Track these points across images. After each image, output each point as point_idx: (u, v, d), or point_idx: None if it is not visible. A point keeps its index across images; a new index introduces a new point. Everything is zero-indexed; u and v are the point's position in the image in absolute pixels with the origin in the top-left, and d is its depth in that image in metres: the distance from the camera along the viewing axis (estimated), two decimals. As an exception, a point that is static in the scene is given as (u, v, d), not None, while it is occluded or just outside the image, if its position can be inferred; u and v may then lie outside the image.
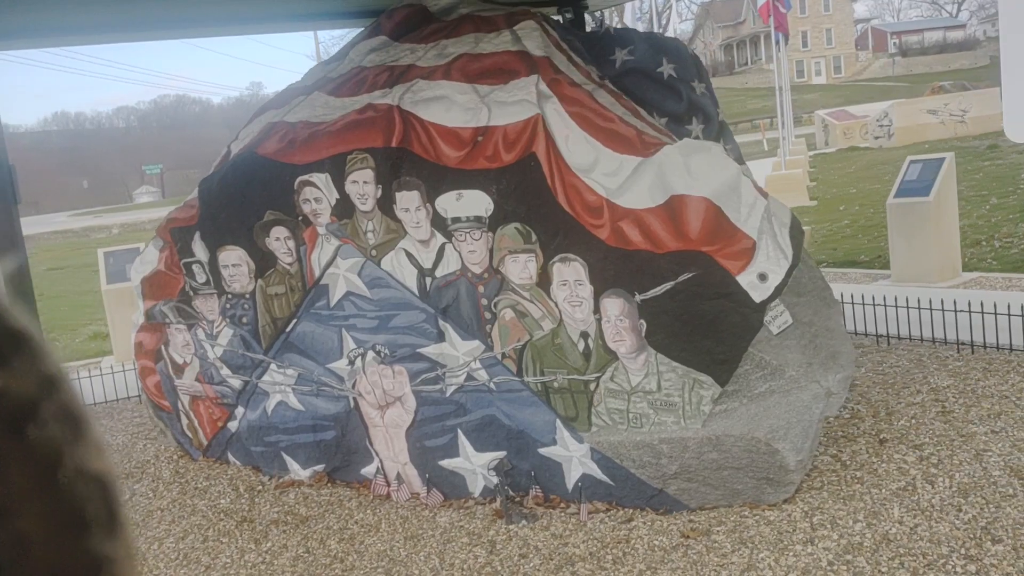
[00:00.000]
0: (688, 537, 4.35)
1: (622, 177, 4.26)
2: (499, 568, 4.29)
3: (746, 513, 4.46)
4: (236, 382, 5.57)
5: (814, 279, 4.98)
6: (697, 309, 4.20)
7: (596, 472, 4.68)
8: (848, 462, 4.81)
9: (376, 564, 4.46)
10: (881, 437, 5.07)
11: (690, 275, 4.17)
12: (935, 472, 4.62)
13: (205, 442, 5.93)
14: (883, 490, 4.51)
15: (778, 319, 4.54)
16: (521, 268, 4.59)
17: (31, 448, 0.42)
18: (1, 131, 7.57)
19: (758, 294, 4.11)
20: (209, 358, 5.59)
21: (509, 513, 4.78)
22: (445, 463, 5.07)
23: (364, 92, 4.92)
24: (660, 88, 5.25)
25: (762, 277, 4.09)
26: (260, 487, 5.61)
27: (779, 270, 4.08)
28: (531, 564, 4.30)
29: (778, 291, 4.11)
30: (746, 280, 4.10)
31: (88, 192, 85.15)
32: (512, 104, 4.48)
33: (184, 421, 5.93)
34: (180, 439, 6.11)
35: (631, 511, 4.67)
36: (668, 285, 4.22)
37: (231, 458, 5.91)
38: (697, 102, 5.31)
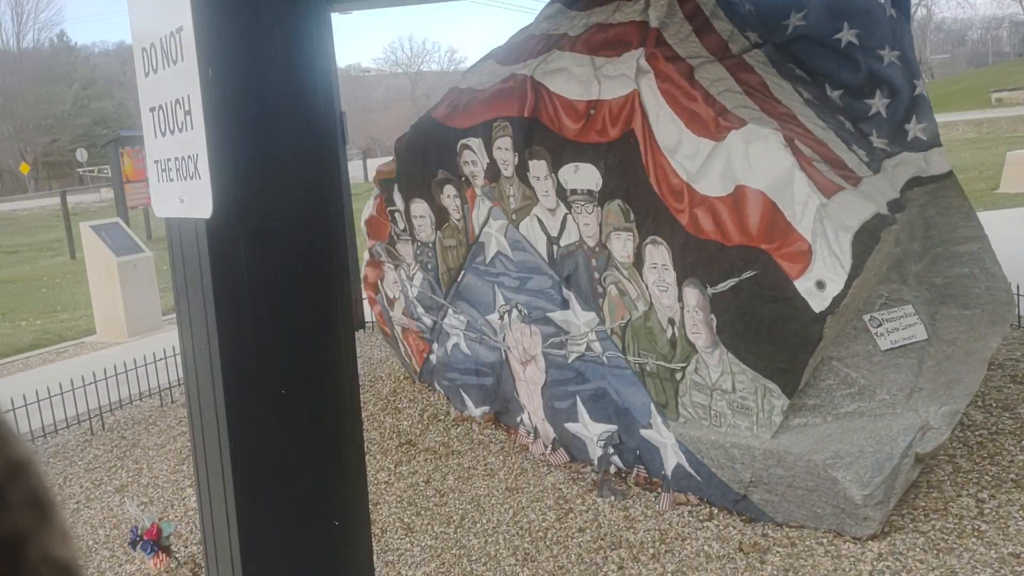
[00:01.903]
0: (743, 551, 4.08)
1: (699, 161, 3.98)
2: (553, 534, 4.41)
3: (824, 540, 4.04)
4: (428, 320, 6.16)
5: (995, 291, 4.24)
6: (758, 311, 3.84)
7: (685, 464, 4.53)
8: (970, 509, 4.08)
9: (462, 507, 4.80)
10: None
11: (753, 273, 3.82)
12: (1081, 545, 3.75)
13: (418, 368, 6.63)
14: (996, 551, 3.79)
15: (895, 333, 3.98)
16: (622, 246, 4.52)
17: None
18: (334, 78, 8.87)
19: (816, 303, 3.64)
20: (409, 296, 6.24)
21: (602, 486, 4.81)
22: (569, 426, 5.20)
23: (520, 61, 5.08)
24: (835, 57, 4.69)
25: (820, 285, 3.61)
26: (442, 417, 6.19)
27: (837, 279, 3.56)
28: (583, 538, 4.35)
29: (836, 302, 3.60)
30: (803, 286, 3.65)
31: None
32: (615, 78, 4.37)
33: (402, 348, 6.69)
34: (404, 363, 6.90)
35: (715, 511, 4.46)
36: (733, 281, 3.91)
37: (436, 386, 6.55)
38: (881, 73, 4.64)
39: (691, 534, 4.28)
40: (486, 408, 5.95)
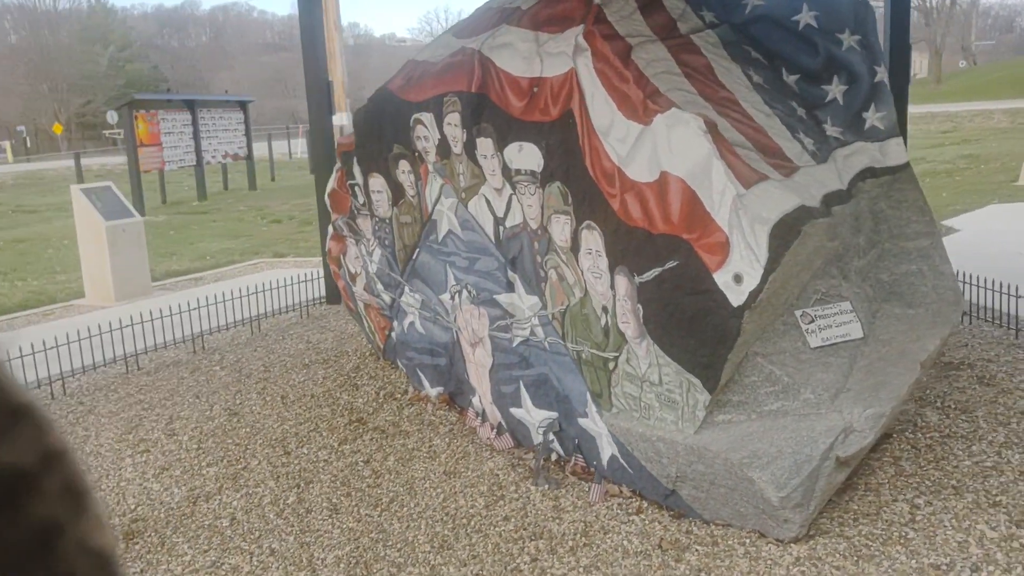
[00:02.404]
0: (662, 548, 3.97)
1: (628, 145, 3.83)
2: (476, 522, 4.32)
3: (747, 541, 3.92)
4: (387, 297, 6.08)
5: (942, 290, 4.08)
6: (680, 303, 3.70)
7: (618, 456, 4.42)
8: (902, 515, 3.93)
9: (394, 490, 4.73)
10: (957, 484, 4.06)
11: (675, 264, 3.68)
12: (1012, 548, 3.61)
13: (381, 345, 6.56)
14: (917, 560, 3.65)
15: (827, 331, 3.84)
16: (560, 230, 4.39)
17: (31, 523, 0.42)
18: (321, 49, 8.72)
19: (734, 297, 3.49)
20: (370, 272, 6.15)
21: (538, 474, 4.72)
22: (514, 411, 5.11)
23: (474, 34, 4.94)
24: (792, 39, 4.51)
25: (737, 279, 3.46)
26: (398, 396, 6.11)
27: (754, 273, 3.41)
28: (505, 527, 4.26)
29: (752, 297, 3.45)
30: (722, 279, 3.50)
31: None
32: (556, 56, 4.22)
33: (366, 324, 6.62)
34: (368, 339, 6.83)
35: (646, 505, 4.35)
36: (657, 271, 3.77)
37: (399, 364, 6.48)
38: (839, 58, 4.46)
39: (615, 527, 4.18)
40: (440, 388, 5.87)
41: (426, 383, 5.97)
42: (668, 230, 3.69)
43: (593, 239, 4.15)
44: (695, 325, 3.67)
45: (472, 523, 4.31)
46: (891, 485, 4.28)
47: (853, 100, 4.41)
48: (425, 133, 5.17)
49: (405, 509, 4.49)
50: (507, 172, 4.67)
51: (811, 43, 4.43)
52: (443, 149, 5.08)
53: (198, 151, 21.32)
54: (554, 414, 4.83)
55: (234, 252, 13.89)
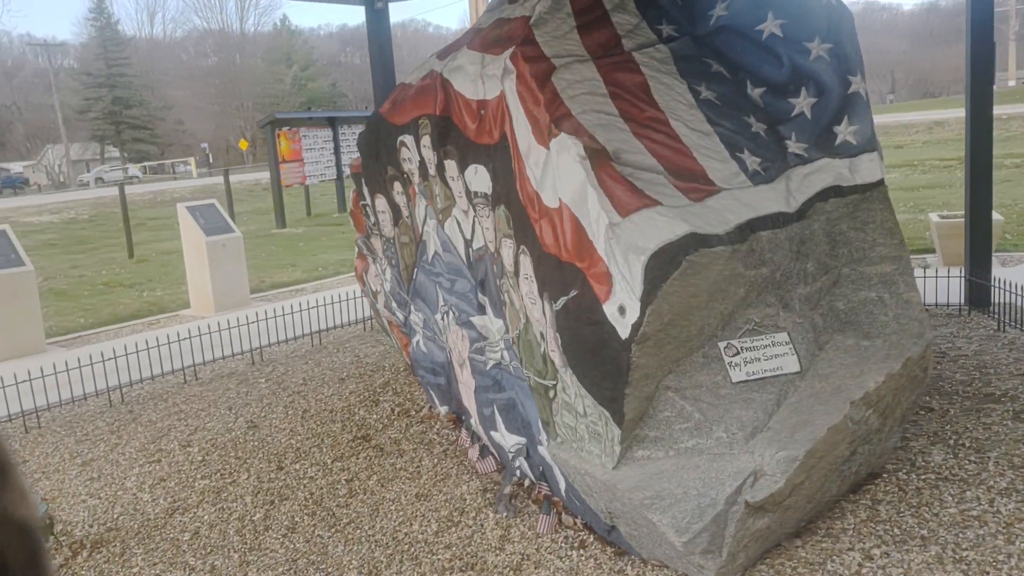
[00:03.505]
0: (586, 587, 3.81)
1: (540, 170, 3.70)
2: (418, 548, 4.29)
3: (673, 585, 3.71)
4: (400, 315, 6.14)
5: (904, 320, 3.75)
6: (582, 332, 3.54)
7: (571, 486, 4.28)
8: (849, 567, 3.59)
9: (359, 511, 4.76)
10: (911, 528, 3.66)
11: (575, 293, 3.52)
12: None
13: (408, 361, 6.64)
14: (841, 619, 3.34)
15: (754, 364, 3.59)
16: (508, 254, 4.30)
17: None
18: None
19: (621, 329, 3.30)
20: (386, 290, 6.24)
21: (499, 501, 4.64)
22: (493, 434, 5.05)
23: (446, 56, 4.92)
24: (757, 50, 4.24)
25: (621, 310, 3.27)
26: (412, 413, 6.16)
27: (634, 305, 3.21)
28: (442, 555, 4.22)
29: (635, 330, 3.25)
30: (609, 310, 3.32)
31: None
32: (492, 78, 4.13)
33: (393, 340, 6.71)
34: (400, 354, 6.92)
35: (592, 539, 4.18)
36: (564, 299, 3.62)
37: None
38: (806, 69, 4.15)
39: (549, 563, 4.04)
40: (447, 407, 5.87)
41: (436, 401, 5.98)
42: (568, 258, 3.55)
43: (527, 264, 4.05)
44: (597, 356, 3.51)
45: (412, 549, 4.29)
46: (856, 531, 3.93)
47: (822, 113, 4.10)
48: (408, 155, 5.19)
49: (359, 532, 4.52)
50: (469, 194, 4.63)
51: (775, 54, 4.14)
52: (423, 170, 5.09)
53: (338, 165, 22.23)
54: (523, 439, 4.73)
55: (348, 262, 14.39)
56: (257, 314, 8.87)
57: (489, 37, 4.38)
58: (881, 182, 3.99)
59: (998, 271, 9.39)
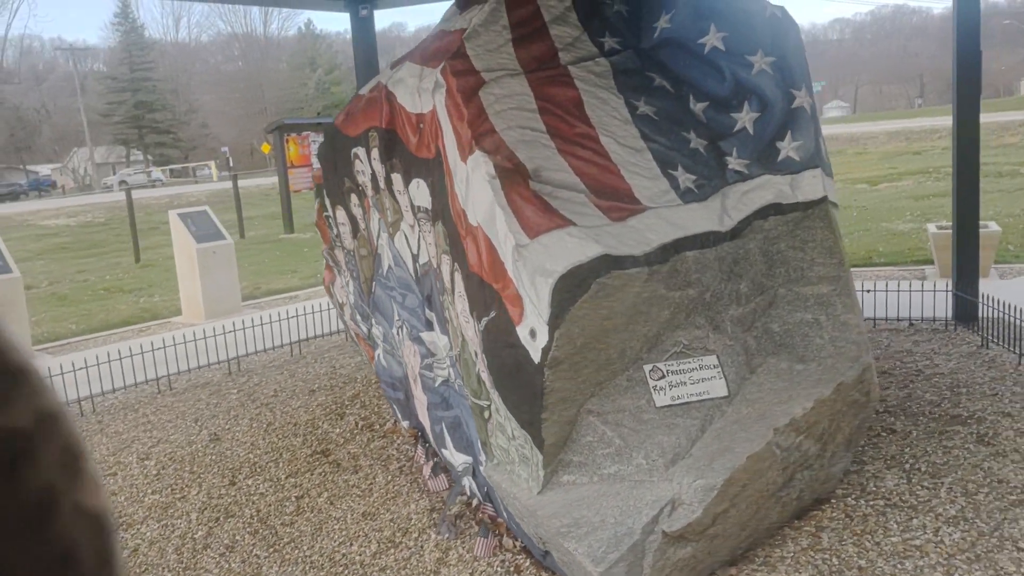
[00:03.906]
0: (511, 614, 3.72)
1: (464, 187, 3.62)
2: (351, 571, 4.22)
3: (601, 614, 3.60)
4: (364, 328, 6.08)
5: (841, 343, 3.64)
6: (502, 355, 3.45)
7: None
8: (766, 601, 3.48)
9: (301, 530, 4.69)
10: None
11: (494, 314, 3.44)
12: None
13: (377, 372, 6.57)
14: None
15: (679, 388, 3.49)
16: (446, 271, 4.22)
17: (28, 488, 0.41)
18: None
19: (534, 353, 3.21)
20: (351, 302, 6.18)
21: (442, 522, 4.55)
22: (444, 452, 4.97)
23: (395, 68, 4.86)
24: (700, 64, 4.14)
25: (532, 334, 3.18)
26: (376, 427, 6.09)
27: (543, 329, 3.12)
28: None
29: (544, 354, 3.15)
30: (522, 333, 3.23)
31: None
32: (427, 92, 4.06)
33: (363, 351, 6.65)
34: (371, 366, 6.85)
35: (529, 564, 4.09)
36: (486, 320, 3.54)
37: (390, 393, 6.46)
38: (749, 83, 4.04)
39: (480, 588, 3.96)
40: (408, 422, 5.80)
41: (399, 415, 5.91)
42: (488, 279, 3.47)
43: (459, 282, 3.97)
44: (515, 379, 3.42)
45: (346, 572, 4.21)
46: (794, 560, 3.81)
47: (765, 129, 3.99)
48: (361, 167, 5.13)
49: (297, 552, 4.45)
50: (414, 208, 4.56)
51: (718, 68, 4.04)
52: (375, 183, 5.02)
53: (348, 170, 22.21)
54: (470, 458, 4.65)
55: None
56: (244, 322, 8.85)
57: (429, 50, 4.31)
58: (824, 199, 3.88)
59: (996, 283, 9.19)
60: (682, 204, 3.63)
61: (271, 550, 4.49)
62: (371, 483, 5.20)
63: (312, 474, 5.40)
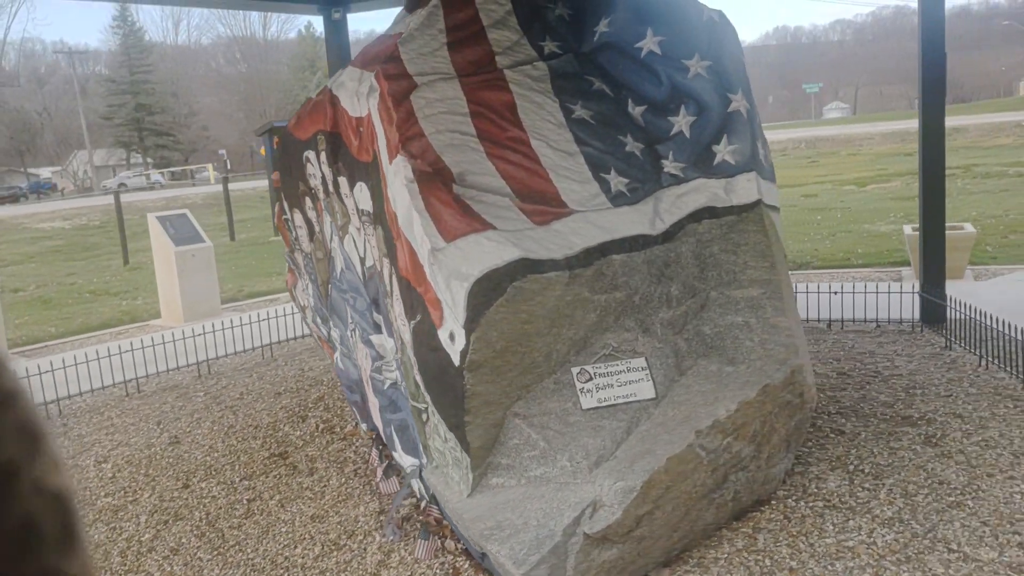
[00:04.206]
0: (443, 616, 3.73)
1: (395, 190, 3.63)
2: (296, 572, 4.23)
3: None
4: (324, 331, 6.09)
5: (771, 345, 3.65)
6: (428, 359, 3.46)
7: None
8: (691, 603, 3.49)
9: (247, 534, 4.69)
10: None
11: (419, 317, 3.45)
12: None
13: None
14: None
15: (607, 391, 3.50)
16: (386, 274, 4.23)
17: None
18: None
19: (454, 356, 3.22)
20: (311, 305, 6.19)
21: (387, 525, 4.56)
22: (394, 454, 4.98)
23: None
24: (637, 68, 4.15)
25: (452, 337, 3.19)
26: (337, 430, 6.10)
27: (461, 332, 3.13)
28: (316, 580, 4.15)
29: (463, 357, 3.16)
30: (443, 336, 3.24)
31: (775, 106, 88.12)
32: (363, 96, 4.07)
33: (326, 354, 6.66)
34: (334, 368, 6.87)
35: (467, 566, 4.09)
36: (413, 323, 3.55)
37: (355, 397, 6.47)
38: (685, 87, 4.06)
39: (415, 590, 3.96)
40: (366, 424, 5.81)
41: (358, 417, 5.92)
42: (414, 282, 3.48)
43: (396, 285, 3.98)
44: (441, 383, 3.44)
45: (287, 575, 4.22)
46: (727, 561, 3.81)
47: (701, 132, 4.00)
48: (312, 171, 5.14)
49: (240, 555, 4.46)
50: (359, 212, 4.57)
51: (655, 72, 4.05)
52: (325, 186, 5.04)
53: (339, 173, 22.25)
54: (417, 461, 4.65)
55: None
56: (215, 324, 8.87)
57: (369, 53, 4.33)
58: (758, 203, 3.89)
59: (970, 285, 9.20)
60: (612, 208, 3.64)
61: (215, 553, 4.50)
62: (325, 485, 5.21)
63: (267, 477, 5.41)
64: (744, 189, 3.90)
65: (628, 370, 3.53)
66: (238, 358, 8.34)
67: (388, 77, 3.82)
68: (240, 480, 5.39)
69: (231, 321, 9.06)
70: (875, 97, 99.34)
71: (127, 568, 4.41)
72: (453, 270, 3.14)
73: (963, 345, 6.53)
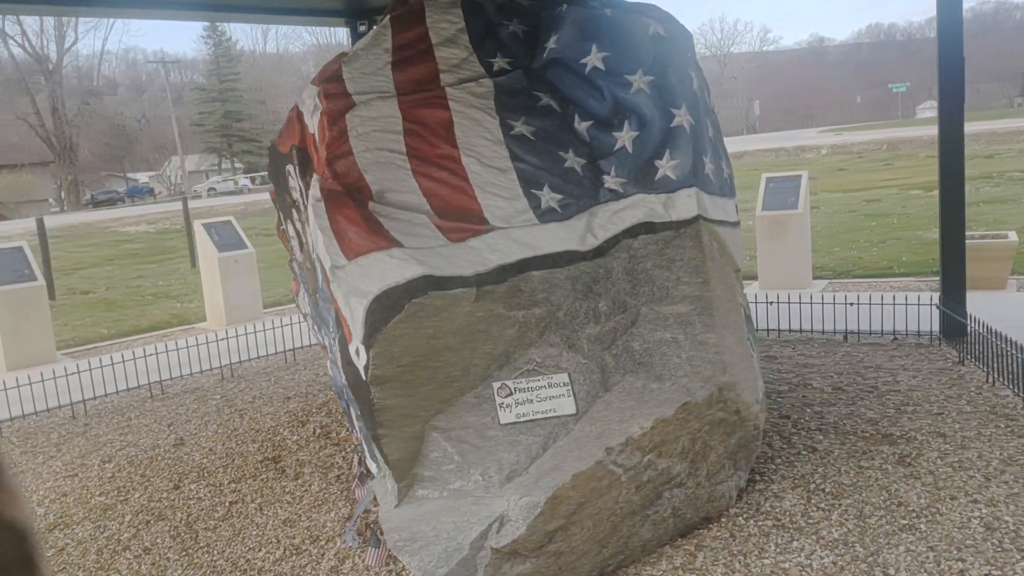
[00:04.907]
0: (376, 623, 3.81)
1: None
2: (251, 575, 4.37)
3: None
4: (320, 337, 6.25)
5: (698, 363, 3.65)
6: (347, 371, 3.55)
7: (397, 519, 4.28)
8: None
9: (221, 535, 4.85)
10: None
11: (338, 333, 3.53)
12: None
13: (344, 384, 6.74)
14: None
15: (526, 406, 3.54)
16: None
17: None
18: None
19: (361, 370, 3.30)
20: (309, 312, 6.36)
21: (348, 531, 4.67)
22: (368, 461, 5.08)
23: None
24: (583, 84, 4.17)
25: (358, 353, 3.26)
26: (332, 435, 6.25)
27: (363, 348, 3.20)
28: (270, 584, 4.27)
29: (366, 372, 3.23)
30: (352, 351, 3.32)
31: (864, 106, 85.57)
32: (311, 114, 4.19)
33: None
34: (343, 376, 7.03)
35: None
36: (337, 336, 3.64)
37: (357, 403, 6.62)
38: (627, 102, 4.06)
39: (357, 598, 4.05)
40: (356, 430, 5.94)
41: (351, 423, 6.05)
42: (331, 298, 3.57)
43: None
44: (358, 395, 3.52)
45: (240, 572, 4.36)
46: (659, 580, 3.80)
47: (643, 147, 4.00)
48: (293, 184, 5.29)
49: (206, 557, 4.62)
50: (324, 225, 4.68)
51: (598, 87, 4.07)
52: (304, 199, 5.18)
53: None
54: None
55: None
56: (255, 327, 9.15)
57: (327, 71, 4.44)
58: (696, 219, 3.86)
59: (1013, 296, 8.87)
60: (539, 224, 3.66)
61: (183, 553, 4.67)
62: (306, 490, 5.35)
63: (255, 480, 5.58)
64: (684, 204, 3.88)
65: (549, 385, 3.56)
66: (261, 362, 8.59)
67: (328, 96, 3.93)
68: (229, 483, 5.57)
69: (263, 324, 9.33)
70: (972, 95, 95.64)
71: (99, 566, 4.61)
72: (352, 287, 3.22)
73: (976, 361, 6.32)
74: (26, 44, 63.78)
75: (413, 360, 3.30)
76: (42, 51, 64.76)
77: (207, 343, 8.67)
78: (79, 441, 6.67)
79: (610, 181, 3.97)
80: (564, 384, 3.57)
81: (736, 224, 4.35)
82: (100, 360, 8.43)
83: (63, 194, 64.48)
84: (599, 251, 3.75)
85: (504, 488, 3.39)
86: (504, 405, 3.52)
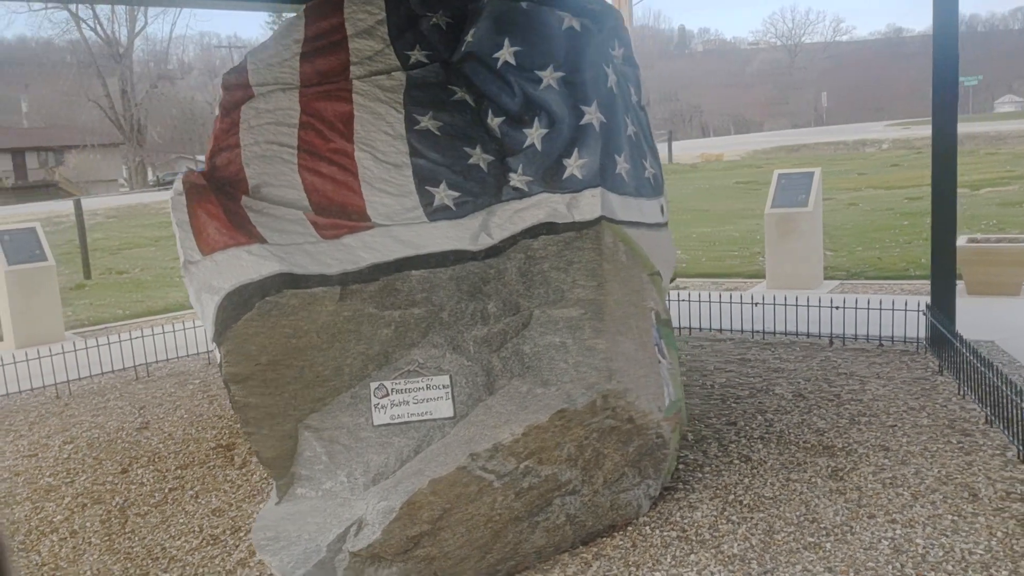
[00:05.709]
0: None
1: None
2: (160, 563, 4.39)
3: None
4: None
5: (583, 368, 3.57)
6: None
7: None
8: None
9: (153, 521, 4.90)
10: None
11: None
12: None
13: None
14: None
15: (401, 407, 3.49)
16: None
17: None
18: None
19: (221, 369, 3.27)
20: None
21: (269, 522, 4.67)
22: (300, 454, 5.08)
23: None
24: (496, 79, 4.08)
25: (216, 351, 3.23)
26: (292, 425, 6.27)
27: (216, 345, 3.16)
28: (174, 574, 4.29)
29: (221, 369, 3.19)
30: (213, 347, 3.29)
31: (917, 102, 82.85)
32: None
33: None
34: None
35: (315, 570, 4.15)
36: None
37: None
38: (536, 99, 3.96)
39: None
40: (310, 422, 5.94)
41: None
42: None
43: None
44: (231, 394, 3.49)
45: (151, 565, 4.37)
46: (548, 588, 3.71)
47: (552, 145, 3.90)
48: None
49: (127, 543, 4.66)
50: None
51: (508, 83, 3.98)
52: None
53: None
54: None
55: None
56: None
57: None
58: (599, 220, 3.75)
59: (1019, 302, 8.53)
60: (427, 222, 3.59)
61: (105, 539, 4.72)
62: (246, 479, 5.37)
63: (201, 467, 5.62)
64: (588, 205, 3.77)
65: (428, 387, 3.49)
66: (250, 348, 8.66)
67: (227, 87, 3.91)
68: (175, 469, 5.62)
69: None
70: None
71: (24, 547, 4.69)
72: (205, 284, 3.19)
73: (950, 369, 6.07)
74: (98, 28, 65.37)
75: (273, 359, 3.27)
76: (113, 35, 66.29)
77: (202, 326, 8.77)
78: (52, 421, 6.81)
79: (516, 179, 3.88)
80: (443, 386, 3.50)
81: (658, 225, 4.21)
82: (96, 340, 8.60)
83: (130, 175, 66.16)
84: (494, 251, 3.66)
85: (368, 491, 3.34)
86: (379, 406, 3.47)
